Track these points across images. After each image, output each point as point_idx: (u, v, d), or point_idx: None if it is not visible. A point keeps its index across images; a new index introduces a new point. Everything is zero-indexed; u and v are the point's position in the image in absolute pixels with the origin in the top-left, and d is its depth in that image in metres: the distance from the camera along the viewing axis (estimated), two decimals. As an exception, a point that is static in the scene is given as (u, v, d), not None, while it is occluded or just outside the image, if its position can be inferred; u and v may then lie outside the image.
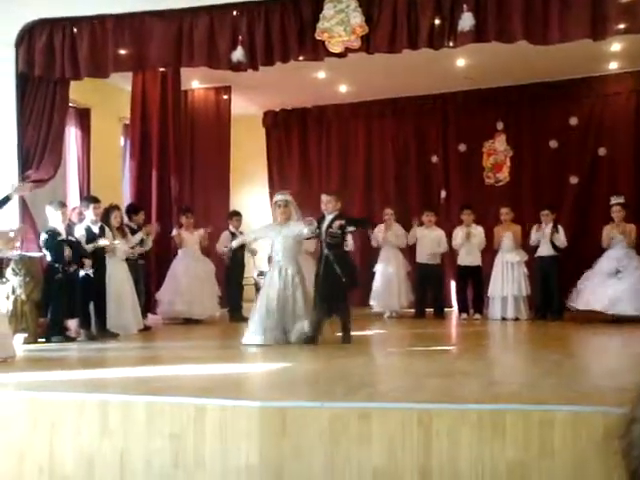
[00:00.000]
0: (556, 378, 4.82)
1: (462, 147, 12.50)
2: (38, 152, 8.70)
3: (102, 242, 8.05)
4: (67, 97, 9.06)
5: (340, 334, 7.10)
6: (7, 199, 7.22)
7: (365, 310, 11.04)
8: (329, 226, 7.07)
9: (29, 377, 5.22)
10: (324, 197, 7.34)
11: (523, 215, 10.51)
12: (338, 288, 7.08)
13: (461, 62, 10.53)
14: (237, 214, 10.28)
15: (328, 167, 13.46)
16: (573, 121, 11.72)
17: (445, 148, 12.65)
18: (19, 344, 7.05)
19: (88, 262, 7.90)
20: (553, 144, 11.83)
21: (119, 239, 8.44)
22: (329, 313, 7.24)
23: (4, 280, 7.18)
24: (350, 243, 10.58)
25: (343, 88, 12.18)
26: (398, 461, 3.78)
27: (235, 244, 7.94)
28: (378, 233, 10.58)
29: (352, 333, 7.07)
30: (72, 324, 7.93)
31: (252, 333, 7.01)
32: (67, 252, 7.60)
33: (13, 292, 7.41)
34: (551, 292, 9.74)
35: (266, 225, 7.58)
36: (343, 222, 7.04)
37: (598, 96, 11.66)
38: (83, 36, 8.45)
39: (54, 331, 7.58)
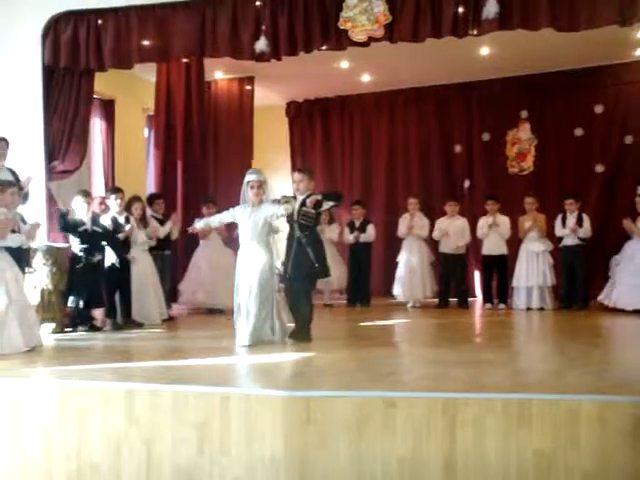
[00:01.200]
0: (583, 368, 4.78)
1: (486, 136, 12.42)
2: (64, 143, 8.79)
3: (127, 229, 8.12)
4: (92, 88, 9.13)
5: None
6: (27, 195, 7.28)
7: (388, 300, 11.05)
8: (302, 205, 6.44)
9: (56, 366, 5.27)
10: (296, 175, 6.70)
11: (548, 204, 10.40)
12: (308, 274, 6.49)
13: (485, 50, 10.45)
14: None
15: (351, 157, 13.46)
16: (598, 109, 11.60)
17: (469, 137, 12.58)
18: (46, 333, 7.13)
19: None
20: (578, 132, 11.72)
21: (141, 230, 8.48)
22: (299, 303, 6.53)
23: (32, 270, 7.25)
24: (371, 233, 10.63)
25: (366, 77, 12.14)
26: (423, 450, 3.78)
27: (199, 226, 7.09)
28: (402, 223, 10.56)
29: (369, 323, 6.90)
30: (98, 314, 8.00)
31: (240, 334, 6.33)
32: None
33: (40, 282, 7.49)
34: (577, 282, 9.66)
35: (234, 208, 6.59)
36: (319, 197, 6.40)
37: (624, 83, 11.50)
38: (107, 28, 8.52)
39: (80, 320, 7.65)
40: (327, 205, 6.64)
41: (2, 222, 5.99)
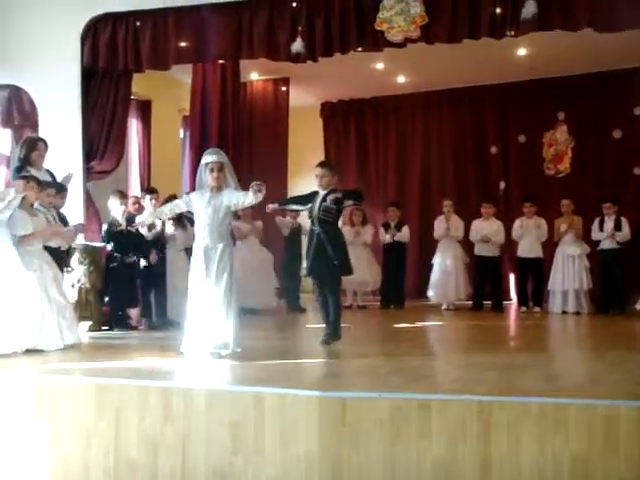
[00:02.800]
0: (621, 373, 4.72)
1: (522, 138, 12.33)
2: (102, 144, 8.92)
3: (159, 227, 8.15)
4: (129, 89, 9.25)
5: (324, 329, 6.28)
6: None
7: (422, 302, 11.01)
8: (323, 201, 6.17)
9: (94, 364, 5.34)
10: (318, 170, 6.31)
11: (585, 207, 10.28)
12: (329, 272, 6.19)
13: (522, 51, 10.37)
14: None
15: (385, 158, 13.44)
16: (638, 111, 11.43)
17: (504, 139, 12.51)
18: (84, 332, 7.23)
19: (154, 256, 8.05)
20: (617, 134, 11.58)
21: (178, 229, 8.52)
22: (326, 301, 6.24)
23: (70, 269, 7.36)
24: (406, 233, 10.59)
25: (401, 79, 12.12)
26: (458, 453, 3.76)
27: (144, 218, 6.46)
28: (438, 225, 10.51)
29: (404, 325, 6.80)
30: (134, 313, 8.09)
31: (185, 344, 5.63)
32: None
33: (78, 281, 7.60)
34: (614, 286, 9.53)
35: (188, 194, 5.95)
36: (339, 195, 6.05)
37: (665, 85, 11.33)
38: (145, 29, 8.62)
39: (116, 319, 7.74)
40: (347, 203, 6.42)
41: (51, 228, 6.10)
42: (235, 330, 5.62)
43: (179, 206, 5.98)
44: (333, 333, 6.16)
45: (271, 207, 6.53)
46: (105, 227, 7.97)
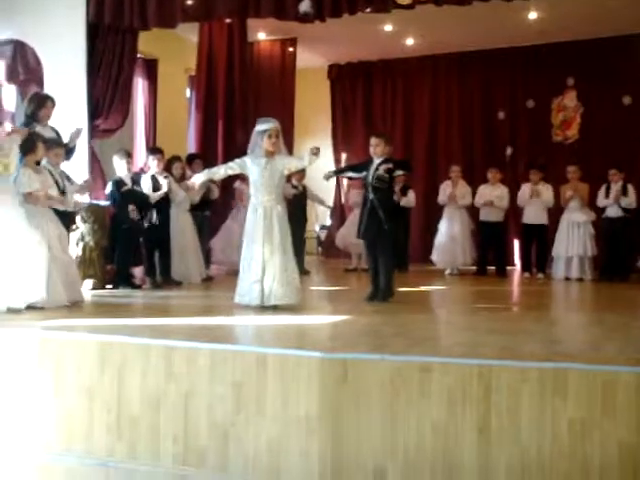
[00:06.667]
0: (622, 340, 4.73)
1: (530, 103, 12.25)
2: (107, 102, 8.87)
3: (164, 189, 8.14)
4: (136, 47, 9.18)
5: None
6: (73, 148, 7.36)
7: (426, 266, 11.02)
8: (376, 169, 6.63)
9: (97, 321, 5.37)
10: (373, 139, 6.73)
11: (592, 174, 10.22)
12: (382, 236, 6.66)
13: (532, 15, 10.23)
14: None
15: (392, 121, 13.36)
16: (649, 77, 11.32)
17: (512, 104, 12.42)
18: (87, 289, 7.26)
19: (154, 215, 8.07)
20: (627, 100, 11.49)
21: (181, 189, 8.50)
22: (375, 262, 6.79)
23: (74, 227, 7.37)
24: (412, 198, 10.55)
25: (410, 41, 12.00)
26: (457, 416, 3.79)
27: (199, 181, 6.57)
28: (445, 190, 10.47)
29: (407, 289, 6.93)
30: (138, 272, 8.11)
31: (241, 295, 6.13)
32: (131, 207, 7.69)
33: (82, 239, 7.61)
34: (618, 253, 9.51)
35: (242, 158, 6.21)
36: (391, 166, 6.63)
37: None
38: (152, -14, 8.50)
39: (121, 278, 7.77)
40: (398, 173, 6.97)
41: (39, 195, 6.06)
42: (294, 284, 6.10)
43: (232, 168, 6.31)
44: (385, 292, 6.66)
45: (328, 175, 7.12)
46: (110, 186, 7.96)
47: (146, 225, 8.03)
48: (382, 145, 6.68)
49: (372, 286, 6.81)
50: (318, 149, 6.01)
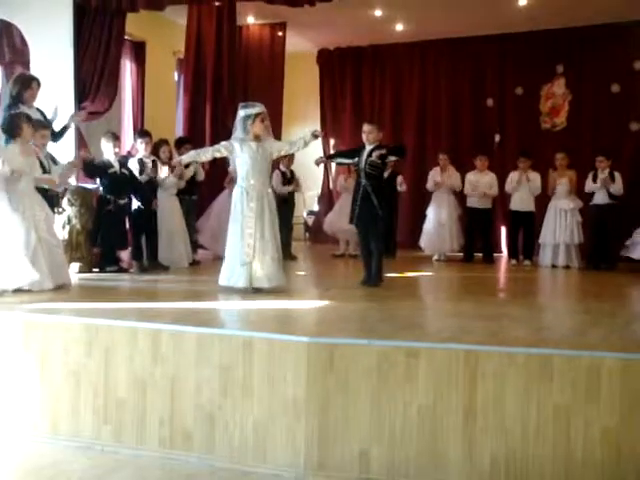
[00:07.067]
0: (607, 326, 4.76)
1: (519, 90, 12.26)
2: (94, 84, 8.80)
3: (150, 172, 8.11)
4: (123, 29, 9.10)
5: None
6: (65, 128, 7.33)
7: (414, 252, 11.04)
8: (369, 155, 6.69)
9: (84, 304, 5.35)
10: (366, 127, 6.81)
11: (580, 161, 10.26)
12: (374, 221, 6.71)
13: (522, 1, 10.22)
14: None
15: (381, 107, 13.34)
16: (638, 65, 11.35)
17: (501, 91, 12.43)
18: (74, 273, 7.23)
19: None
20: (615, 89, 11.52)
21: (168, 173, 8.46)
22: (368, 247, 6.81)
23: (60, 210, 7.32)
24: (401, 183, 10.55)
25: (399, 27, 11.96)
26: (444, 400, 3.81)
27: (186, 159, 6.57)
28: (434, 176, 10.47)
29: (394, 275, 6.94)
30: (125, 255, 8.08)
31: (227, 278, 6.11)
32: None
33: (69, 222, 7.57)
34: (605, 241, 9.55)
35: (229, 141, 6.17)
36: (384, 151, 6.68)
37: (666, 39, 11.22)
38: (140, -33, 8.43)
39: (107, 261, 7.73)
40: (391, 158, 7.09)
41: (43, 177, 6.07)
42: (279, 268, 6.12)
43: (220, 151, 6.25)
44: (376, 277, 6.71)
45: (319, 160, 7.20)
46: (88, 169, 7.84)
47: (133, 208, 7.99)
48: (375, 132, 6.78)
49: (365, 271, 6.86)
50: (320, 131, 6.26)
